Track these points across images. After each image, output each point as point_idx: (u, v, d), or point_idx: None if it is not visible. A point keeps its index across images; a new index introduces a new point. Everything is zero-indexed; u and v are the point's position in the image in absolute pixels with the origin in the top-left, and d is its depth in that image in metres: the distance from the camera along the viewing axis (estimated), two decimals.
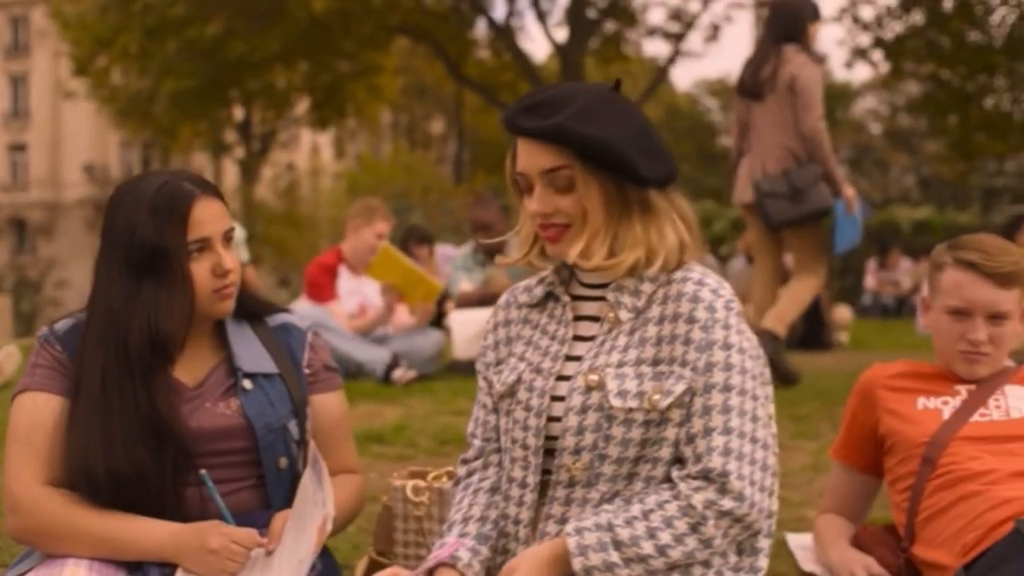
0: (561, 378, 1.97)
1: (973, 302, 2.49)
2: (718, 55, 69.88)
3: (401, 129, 53.68)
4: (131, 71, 19.33)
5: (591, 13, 22.75)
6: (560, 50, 22.23)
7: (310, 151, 53.29)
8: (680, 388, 1.87)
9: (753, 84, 5.74)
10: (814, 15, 5.88)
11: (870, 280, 13.12)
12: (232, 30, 17.17)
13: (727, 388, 1.86)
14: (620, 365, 1.91)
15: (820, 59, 5.92)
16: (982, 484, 2.31)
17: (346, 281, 6.14)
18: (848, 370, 5.02)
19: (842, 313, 8.50)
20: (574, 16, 22.16)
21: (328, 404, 2.27)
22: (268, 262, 38.77)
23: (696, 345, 1.87)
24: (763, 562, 1.98)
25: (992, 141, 25.69)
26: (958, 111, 24.84)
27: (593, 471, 1.90)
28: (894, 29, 24.19)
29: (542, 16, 22.65)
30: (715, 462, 1.83)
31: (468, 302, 6.35)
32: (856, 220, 5.97)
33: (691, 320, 1.89)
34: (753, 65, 5.81)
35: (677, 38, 24.15)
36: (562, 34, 22.72)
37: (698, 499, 1.82)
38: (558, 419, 1.93)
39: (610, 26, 24.70)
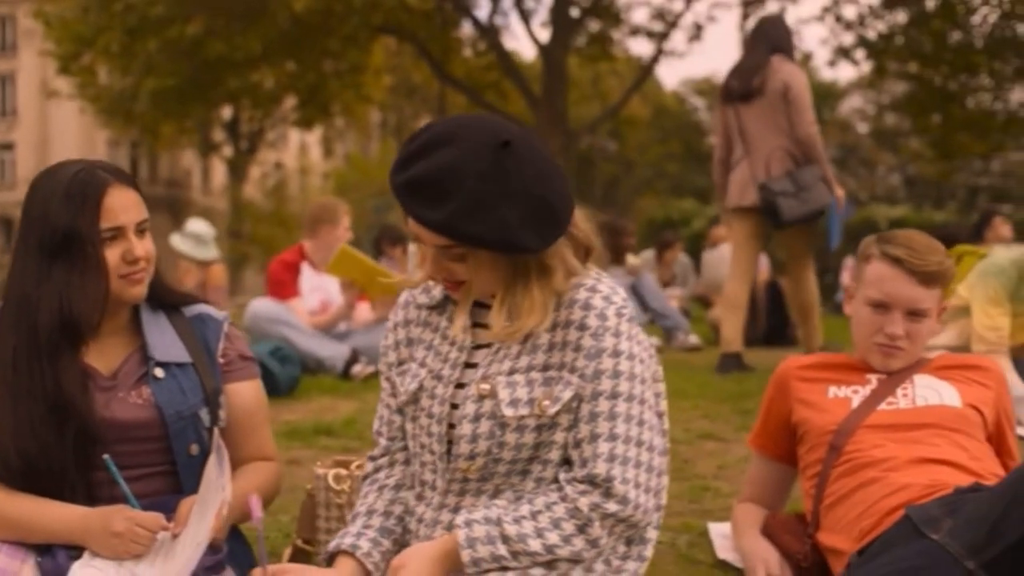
0: (460, 385, 2.01)
1: (894, 297, 2.54)
2: (704, 54, 69.78)
3: (390, 128, 53.61)
4: (113, 70, 19.31)
5: (574, 12, 22.79)
6: (543, 49, 22.25)
7: (298, 150, 53.24)
8: (568, 395, 1.92)
9: (745, 90, 6.09)
10: (791, 33, 6.35)
11: (846, 277, 13.18)
12: (213, 30, 17.18)
13: (615, 395, 1.90)
14: (512, 372, 1.95)
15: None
16: (881, 471, 2.36)
17: (308, 278, 6.20)
18: None
19: None
20: (557, 15, 22.20)
21: (243, 393, 2.32)
22: (257, 261, 38.75)
23: (586, 352, 1.91)
24: (650, 551, 2.05)
25: (973, 140, 25.82)
26: (940, 110, 24.96)
27: (488, 471, 1.96)
28: (877, 28, 24.29)
29: (525, 15, 22.69)
30: (600, 468, 1.88)
31: None
32: (839, 219, 6.23)
33: (582, 327, 1.92)
34: (744, 73, 6.15)
35: (661, 37, 24.20)
36: (545, 34, 22.78)
37: (584, 502, 1.87)
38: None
39: (594, 25, 24.77)
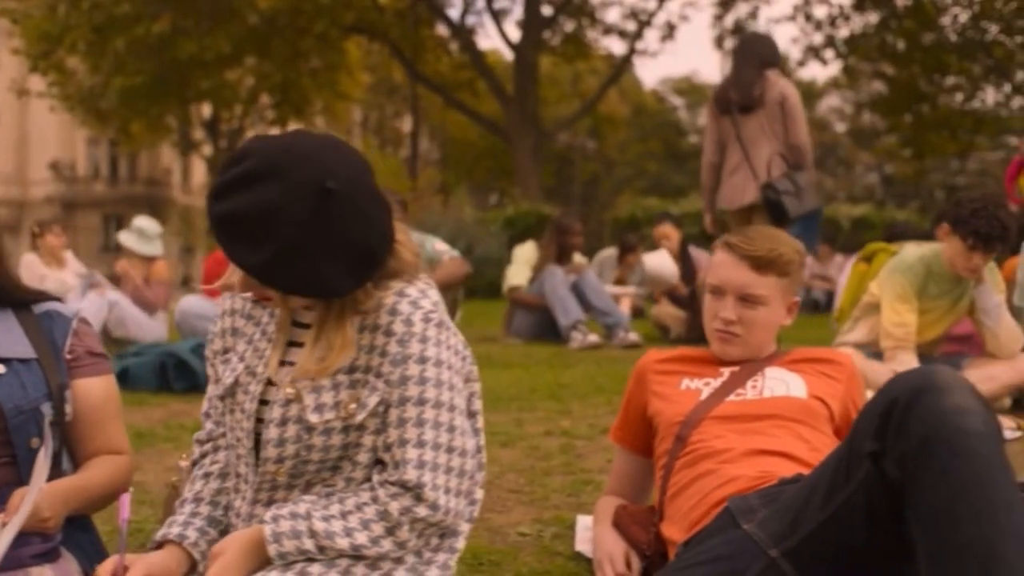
0: (272, 383, 2.03)
1: (726, 281, 2.60)
2: (681, 54, 70.09)
3: (371, 127, 53.60)
4: (84, 67, 19.29)
5: (546, 11, 22.86)
6: (514, 49, 22.32)
7: None
8: (374, 400, 1.94)
9: (746, 102, 6.56)
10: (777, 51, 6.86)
11: (805, 275, 13.27)
12: (181, 28, 17.17)
13: (421, 401, 1.92)
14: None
15: None
16: (717, 462, 2.40)
17: None
18: None
19: None
20: (528, 15, 22.26)
21: (90, 388, 2.35)
22: None
23: (391, 358, 1.92)
24: (461, 543, 2.08)
25: (945, 140, 25.98)
26: (911, 110, 25.11)
27: (297, 471, 1.99)
28: (847, 28, 24.43)
29: (496, 15, 22.76)
30: (410, 474, 1.91)
31: None
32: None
33: (388, 333, 1.93)
34: (743, 87, 6.60)
35: (633, 37, 24.29)
36: (517, 33, 22.84)
37: (394, 506, 1.90)
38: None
39: (569, 25, 24.86)
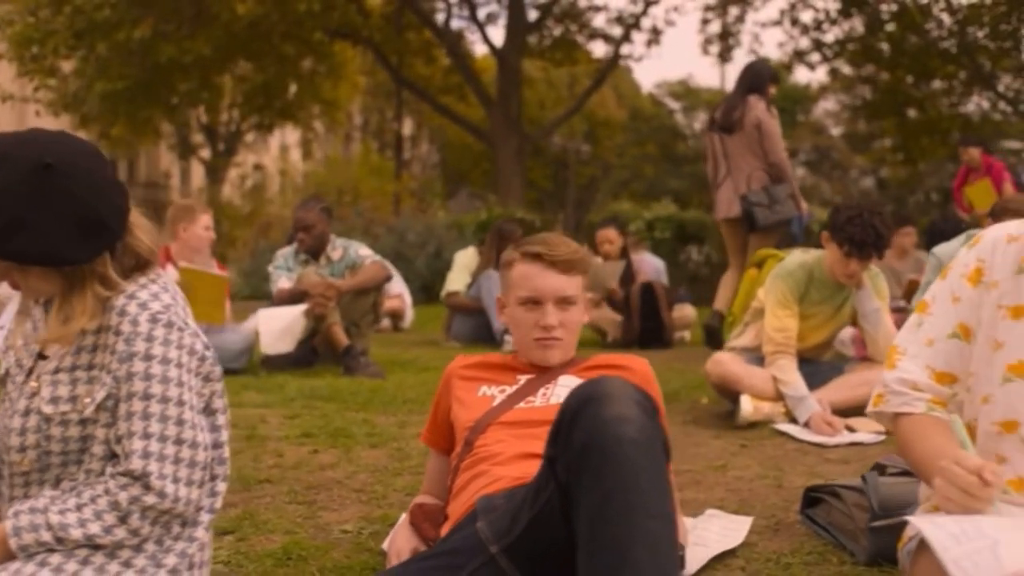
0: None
1: (542, 290, 2.71)
2: (677, 57, 69.96)
3: (371, 130, 53.65)
4: (66, 72, 19.45)
5: (531, 15, 22.94)
6: (497, 53, 22.40)
7: (279, 152, 53.27)
8: (101, 394, 2.07)
9: (727, 124, 7.40)
10: (774, 78, 7.55)
11: None
12: (161, 33, 17.27)
13: (147, 396, 2.04)
14: (56, 371, 2.12)
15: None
16: (490, 464, 2.52)
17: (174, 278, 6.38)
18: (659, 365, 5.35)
19: (685, 312, 8.71)
20: (511, 19, 22.34)
21: None
22: (234, 262, 38.86)
23: (118, 356, 2.06)
24: (201, 532, 2.19)
25: (935, 144, 26.01)
26: (897, 115, 25.15)
27: (42, 463, 2.12)
28: (833, 33, 24.47)
29: (477, 19, 22.84)
30: (135, 464, 2.03)
31: (282, 299, 6.57)
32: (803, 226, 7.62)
33: (117, 332, 2.07)
34: (726, 110, 7.46)
35: (618, 42, 24.35)
36: (500, 37, 22.94)
37: (123, 496, 2.03)
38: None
39: (557, 29, 24.95)
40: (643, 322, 7.99)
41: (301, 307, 6.36)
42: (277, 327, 6.24)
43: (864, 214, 4.62)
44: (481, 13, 26.44)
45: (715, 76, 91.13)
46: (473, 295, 8.27)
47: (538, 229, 15.26)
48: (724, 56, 26.32)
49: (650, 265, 10.21)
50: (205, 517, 2.20)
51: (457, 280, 8.45)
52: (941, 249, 5.18)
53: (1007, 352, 2.10)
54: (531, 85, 39.41)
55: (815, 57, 24.97)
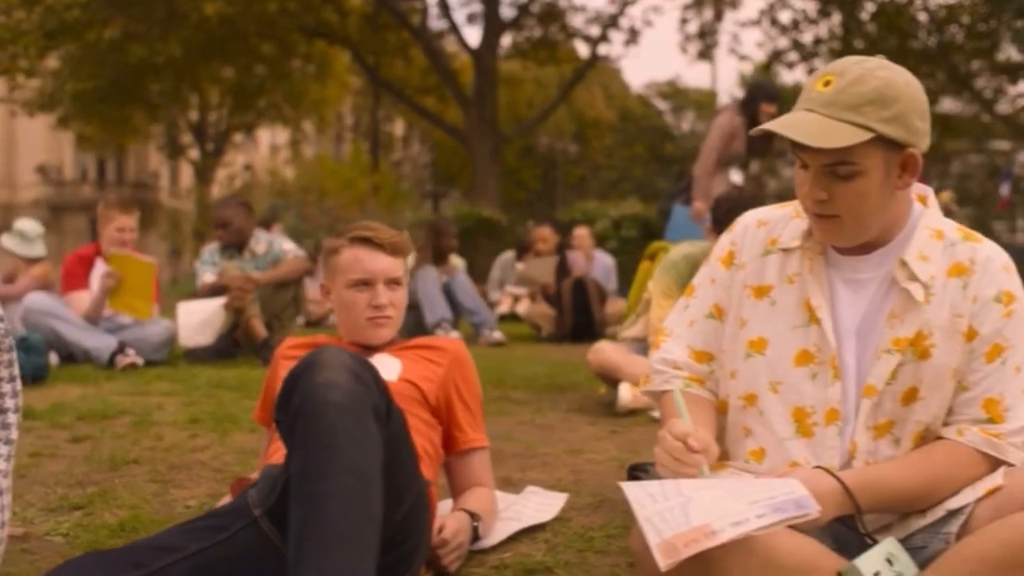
0: None
1: (373, 271, 2.84)
2: (668, 58, 70.18)
3: (363, 130, 53.78)
4: (32, 72, 19.60)
5: (506, 13, 23.09)
6: (473, 53, 22.54)
7: (269, 152, 53.39)
8: None
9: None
10: (768, 97, 7.75)
11: None
12: (132, 34, 17.41)
13: None
14: None
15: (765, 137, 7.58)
16: None
17: (102, 270, 6.52)
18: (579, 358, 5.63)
19: (618, 306, 8.83)
20: (487, 19, 22.49)
21: None
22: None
23: None
24: None
25: None
26: None
27: None
28: (812, 32, 24.63)
29: (451, 19, 22.97)
30: None
31: (203, 293, 6.71)
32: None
33: None
34: None
35: (596, 41, 24.51)
36: (475, 38, 23.10)
37: None
38: None
39: (536, 29, 25.12)
40: (575, 317, 8.14)
41: (220, 300, 6.50)
42: (196, 320, 6.39)
43: (742, 206, 4.74)
44: (460, 14, 26.56)
45: (707, 77, 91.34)
46: (410, 290, 8.40)
47: (505, 228, 15.42)
48: (704, 55, 26.49)
49: (600, 262, 10.34)
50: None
51: None
52: None
53: (749, 329, 2.23)
54: (518, 85, 39.63)
55: (793, 56, 25.18)
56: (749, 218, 2.35)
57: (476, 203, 18.51)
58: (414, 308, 8.26)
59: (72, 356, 6.24)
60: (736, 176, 7.92)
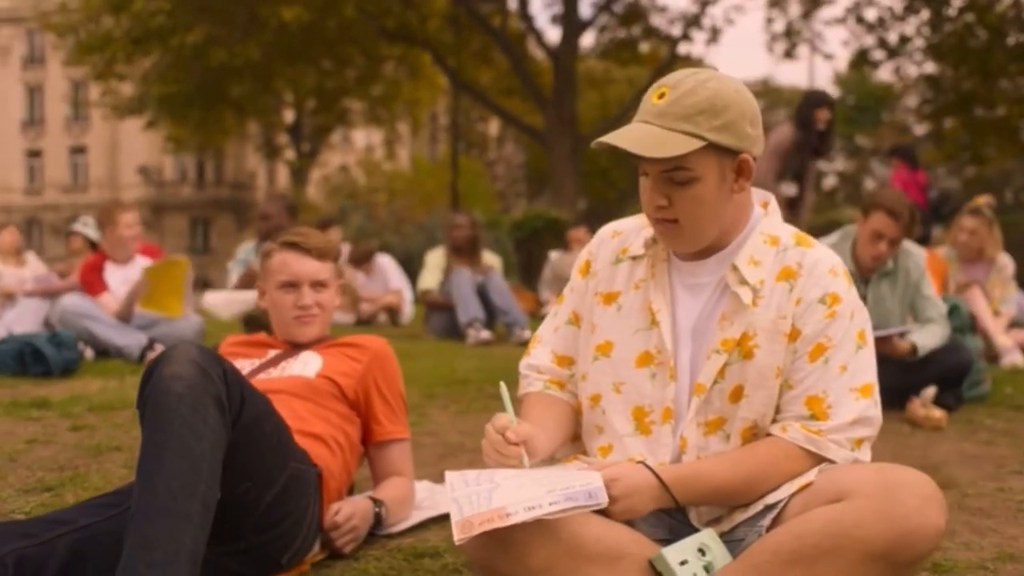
0: None
1: (299, 274, 3.07)
2: (761, 56, 69.10)
3: (458, 130, 54.05)
4: (124, 77, 20.31)
5: (585, 14, 23.20)
6: (551, 54, 22.68)
7: (364, 152, 54.17)
8: None
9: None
10: (820, 102, 7.77)
11: None
12: (214, 39, 17.94)
13: None
14: None
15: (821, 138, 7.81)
16: None
17: (113, 273, 6.87)
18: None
19: None
20: (566, 19, 22.62)
21: None
22: None
23: None
24: None
25: (1004, 143, 25.59)
26: (959, 113, 24.84)
27: None
28: (898, 30, 24.25)
29: (529, 20, 23.13)
30: None
31: (243, 286, 7.05)
32: None
33: None
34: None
35: (676, 41, 24.48)
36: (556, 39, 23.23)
37: None
38: None
39: (620, 30, 25.21)
40: None
41: (251, 293, 6.79)
42: (221, 299, 6.72)
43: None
44: (543, 17, 26.66)
45: (802, 74, 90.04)
46: (445, 290, 8.60)
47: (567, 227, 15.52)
48: (790, 54, 26.25)
49: None
50: None
51: (429, 279, 8.85)
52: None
53: (597, 334, 2.36)
54: (608, 85, 39.61)
55: (879, 55, 24.83)
56: (606, 229, 2.47)
57: (555, 204, 18.66)
58: (452, 309, 8.44)
59: (107, 352, 6.59)
60: (790, 189, 7.93)
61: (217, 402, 2.17)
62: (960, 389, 5.15)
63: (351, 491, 3.16)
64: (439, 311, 8.68)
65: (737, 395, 2.20)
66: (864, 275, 5.20)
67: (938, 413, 4.69)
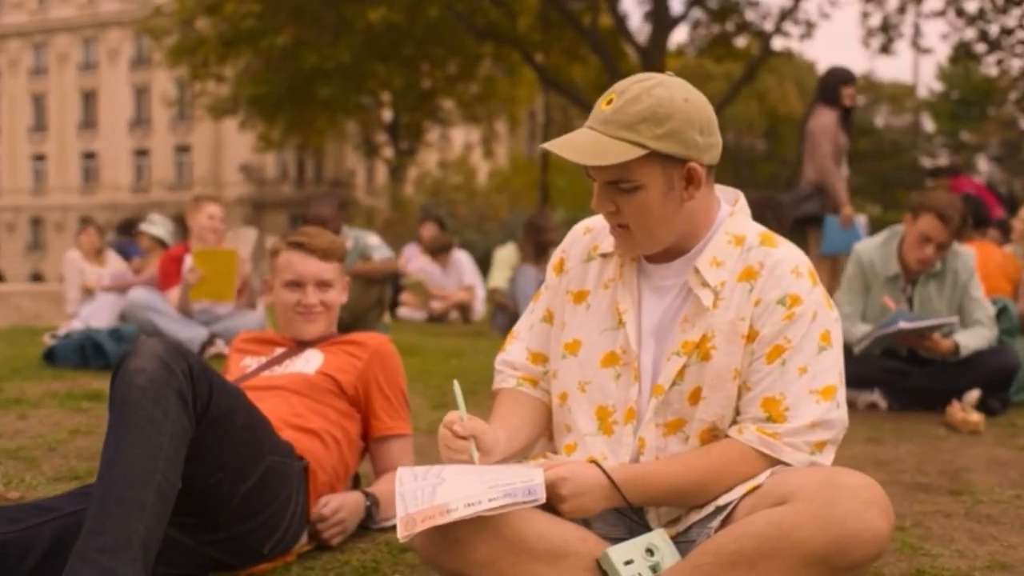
0: None
1: (303, 273, 3.15)
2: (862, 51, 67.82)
3: (556, 128, 54.17)
4: (221, 78, 20.76)
5: (675, 10, 23.04)
6: (641, 52, 22.59)
7: (463, 150, 54.53)
8: None
9: (800, 131, 7.89)
10: (846, 79, 7.68)
11: None
12: (303, 41, 18.26)
13: None
14: None
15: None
16: None
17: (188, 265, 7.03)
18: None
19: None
20: (655, 17, 22.50)
21: None
22: None
23: None
24: None
25: None
26: None
27: None
28: (999, 23, 23.63)
29: (619, 19, 23.05)
30: None
31: None
32: (854, 233, 7.48)
33: None
34: (803, 117, 7.98)
35: (768, 36, 24.20)
36: (644, 35, 23.12)
37: None
38: None
39: (713, 27, 25.03)
40: None
41: None
42: None
43: (755, 208, 4.77)
44: (636, 16, 26.56)
45: (903, 69, 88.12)
46: (511, 288, 8.66)
47: None
48: (886, 49, 25.74)
49: None
50: None
51: (497, 276, 8.90)
52: (861, 245, 5.30)
53: (566, 332, 2.37)
54: (706, 81, 39.24)
55: (980, 48, 24.22)
56: (579, 226, 2.48)
57: None
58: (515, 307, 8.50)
59: None
60: (846, 170, 7.87)
61: (179, 395, 2.24)
62: (1007, 393, 5.03)
63: (356, 485, 3.22)
64: (505, 309, 8.74)
65: (696, 397, 2.19)
66: (910, 276, 5.11)
67: (975, 417, 4.59)
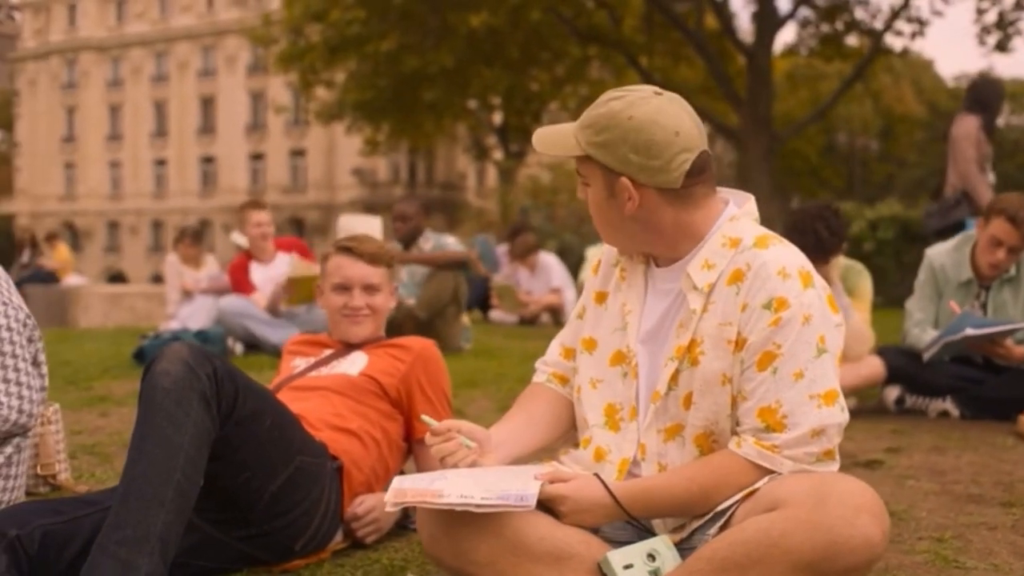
0: None
1: (350, 278, 3.26)
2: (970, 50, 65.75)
3: None
4: (330, 84, 21.17)
5: (782, 9, 22.75)
6: (746, 53, 22.36)
7: None
8: None
9: (945, 135, 7.84)
10: (1002, 92, 7.87)
11: None
12: (406, 46, 18.53)
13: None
14: None
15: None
16: None
17: (258, 272, 7.27)
18: None
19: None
20: (761, 17, 22.26)
21: None
22: None
23: None
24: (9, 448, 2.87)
25: None
26: None
27: None
28: None
29: (725, 20, 22.85)
30: None
31: None
32: None
33: None
34: (949, 122, 7.87)
35: (879, 34, 23.74)
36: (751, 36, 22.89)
37: None
38: None
39: (823, 26, 24.69)
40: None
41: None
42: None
43: (806, 219, 4.74)
44: (743, 16, 26.32)
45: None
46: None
47: None
48: (1002, 46, 25.03)
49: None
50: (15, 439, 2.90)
51: (587, 274, 8.94)
52: (933, 250, 5.22)
53: (586, 330, 2.45)
54: (819, 80, 38.68)
55: None
56: None
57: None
58: None
59: (258, 346, 7.00)
60: (991, 176, 7.74)
61: (202, 397, 2.34)
62: None
63: None
64: None
65: (688, 402, 2.21)
66: (984, 282, 5.01)
67: None
